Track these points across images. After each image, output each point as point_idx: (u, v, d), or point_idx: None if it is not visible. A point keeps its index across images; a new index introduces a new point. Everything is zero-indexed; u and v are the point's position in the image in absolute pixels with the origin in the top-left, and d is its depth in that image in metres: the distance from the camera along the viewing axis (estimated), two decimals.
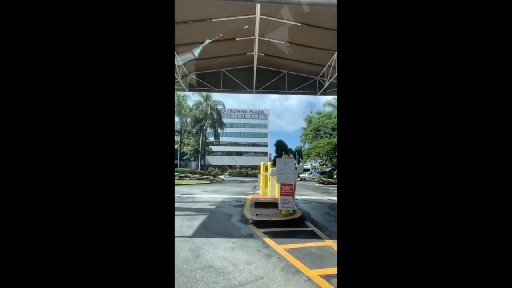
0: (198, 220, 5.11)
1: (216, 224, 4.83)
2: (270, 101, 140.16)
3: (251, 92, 8.87)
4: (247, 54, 8.09)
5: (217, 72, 8.76)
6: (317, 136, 30.83)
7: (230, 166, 46.89)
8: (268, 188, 9.32)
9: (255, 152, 55.15)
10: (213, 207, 7.05)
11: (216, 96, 32.59)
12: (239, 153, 54.37)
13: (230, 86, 8.86)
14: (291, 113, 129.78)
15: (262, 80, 8.60)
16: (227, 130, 40.60)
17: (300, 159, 51.38)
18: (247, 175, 37.77)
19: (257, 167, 47.70)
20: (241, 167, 45.92)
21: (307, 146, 48.50)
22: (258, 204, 6.35)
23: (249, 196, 8.94)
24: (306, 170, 36.18)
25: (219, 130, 35.29)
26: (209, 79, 8.79)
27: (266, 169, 9.79)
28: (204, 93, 31.31)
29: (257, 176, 38.87)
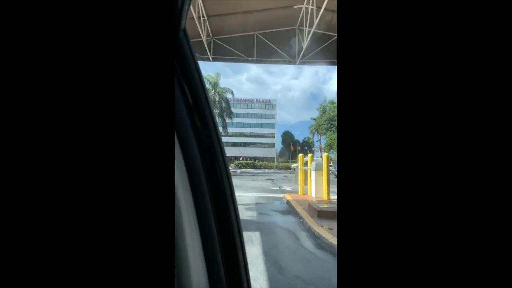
0: (254, 246, 3.23)
1: (291, 258, 2.93)
2: (272, 92, 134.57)
3: (294, 62, 6.84)
4: (294, 7, 6.02)
5: (250, 36, 6.71)
6: (332, 126, 28.81)
7: (236, 158, 45.17)
8: (310, 186, 7.45)
9: (261, 143, 53.04)
10: (254, 214, 5.18)
11: (222, 84, 30.52)
12: (245, 144, 52.25)
13: (265, 55, 6.83)
14: (293, 105, 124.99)
15: (307, 48, 6.55)
16: (232, 120, 38.69)
17: (308, 151, 49.60)
18: (254, 166, 36.54)
19: (264, 159, 46.03)
20: (247, 158, 44.31)
21: (316, 138, 46.62)
22: (323, 214, 4.46)
23: (288, 196, 7.08)
24: None
25: (227, 120, 33.18)
26: (238, 46, 6.75)
27: (306, 163, 7.89)
28: (212, 80, 29.13)
29: (265, 168, 37.77)
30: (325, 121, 28.54)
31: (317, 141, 44.92)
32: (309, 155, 7.70)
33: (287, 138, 54.93)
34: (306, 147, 48.39)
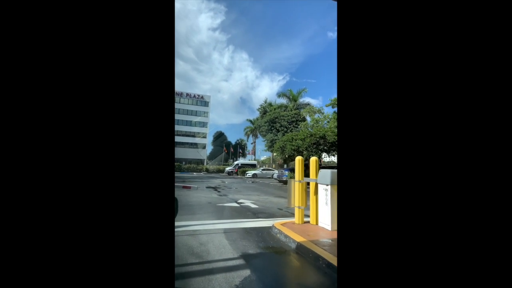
0: None
1: None
2: (201, 92, 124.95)
3: None
4: None
5: None
6: (272, 128, 27.31)
7: None
8: (315, 209, 4.57)
9: (190, 144, 47.49)
10: None
11: None
12: None
13: None
14: (222, 107, 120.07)
15: None
16: None
17: (241, 154, 47.43)
18: (180, 169, 32.03)
19: (192, 161, 41.12)
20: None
21: (251, 140, 44.94)
22: None
23: (286, 230, 3.98)
24: (252, 165, 32.49)
25: None
26: None
27: (305, 171, 4.98)
28: None
29: (193, 171, 33.28)
30: (265, 122, 26.74)
31: (251, 143, 43.39)
32: (313, 159, 4.84)
33: (220, 139, 51.45)
34: (240, 149, 46.20)
